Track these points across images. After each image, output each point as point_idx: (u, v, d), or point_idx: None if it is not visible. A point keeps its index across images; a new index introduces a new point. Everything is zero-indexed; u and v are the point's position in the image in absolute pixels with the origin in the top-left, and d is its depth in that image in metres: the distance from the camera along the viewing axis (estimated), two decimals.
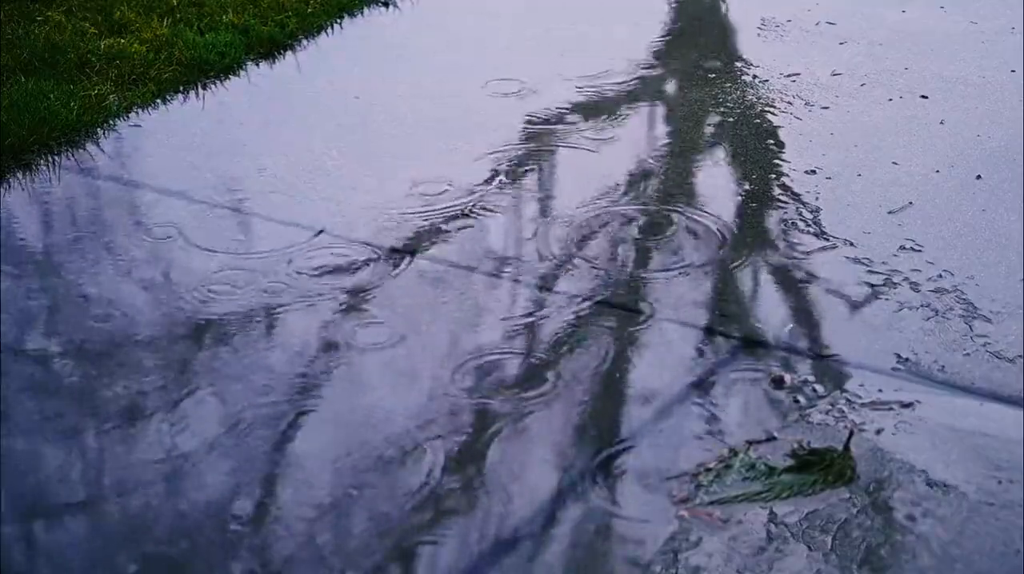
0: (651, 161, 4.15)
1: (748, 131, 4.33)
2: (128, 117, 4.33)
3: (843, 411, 2.96)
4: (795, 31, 5.17)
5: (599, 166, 4.10)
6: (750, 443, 2.86)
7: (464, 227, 3.72)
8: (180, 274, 3.48)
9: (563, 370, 3.10)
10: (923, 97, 4.59)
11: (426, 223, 3.73)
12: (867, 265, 3.54)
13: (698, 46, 5.04)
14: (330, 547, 2.57)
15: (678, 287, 3.44)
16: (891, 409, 2.97)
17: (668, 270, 3.52)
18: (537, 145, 4.23)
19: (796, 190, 3.95)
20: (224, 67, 4.70)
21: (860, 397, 3.01)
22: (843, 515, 2.66)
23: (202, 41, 4.79)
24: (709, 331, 3.26)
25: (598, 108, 4.49)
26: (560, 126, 4.36)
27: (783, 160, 4.14)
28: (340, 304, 3.35)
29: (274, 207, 3.82)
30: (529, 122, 4.38)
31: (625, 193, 3.93)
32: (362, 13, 5.30)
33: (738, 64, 4.87)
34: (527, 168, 4.08)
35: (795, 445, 2.84)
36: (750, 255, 3.60)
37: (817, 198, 3.90)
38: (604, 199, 3.88)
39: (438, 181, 3.96)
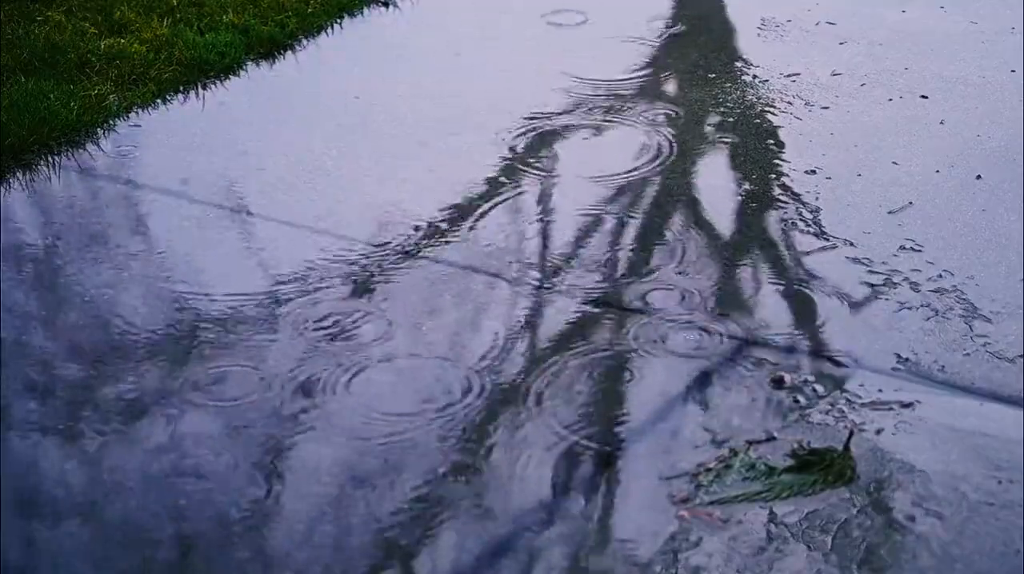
0: (651, 160, 4.14)
1: (748, 131, 4.33)
2: (128, 117, 4.32)
3: (843, 411, 2.96)
4: (795, 31, 5.17)
5: (599, 166, 4.09)
6: (750, 443, 2.86)
7: (464, 227, 3.72)
8: (180, 273, 3.48)
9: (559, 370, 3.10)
10: (923, 97, 4.59)
11: (426, 223, 3.73)
12: (867, 265, 3.54)
13: (698, 46, 5.04)
14: None
15: (677, 286, 3.44)
16: (891, 409, 2.97)
17: (667, 270, 3.52)
18: (539, 145, 4.22)
19: (796, 190, 3.95)
20: (224, 67, 4.70)
21: (860, 397, 3.01)
22: (843, 515, 2.66)
23: (202, 41, 4.79)
24: (708, 330, 3.26)
25: (599, 107, 4.49)
26: (560, 126, 4.36)
27: (783, 160, 4.14)
28: (339, 304, 3.35)
29: (274, 207, 3.82)
30: (530, 121, 4.37)
31: (624, 194, 3.93)
32: (362, 13, 5.29)
33: (738, 64, 4.86)
34: (527, 168, 4.08)
35: (795, 445, 2.84)
36: (750, 255, 3.59)
37: (817, 198, 3.90)
38: (604, 199, 3.88)
39: (438, 181, 3.96)
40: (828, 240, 3.66)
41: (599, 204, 3.86)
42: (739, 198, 3.93)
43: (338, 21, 5.20)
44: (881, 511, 2.67)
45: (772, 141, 4.27)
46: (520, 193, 3.93)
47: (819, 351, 3.18)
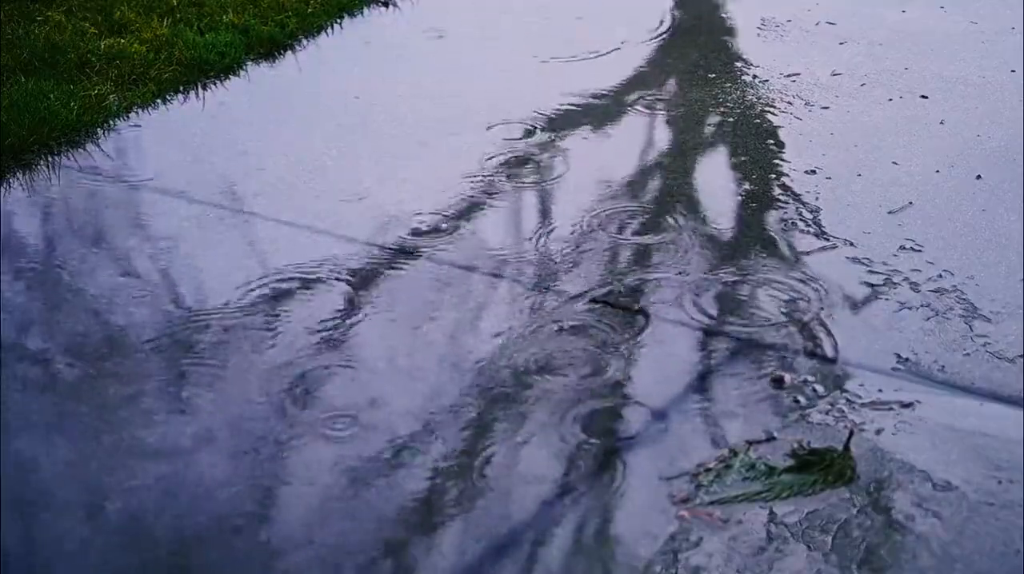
0: (651, 160, 4.15)
1: (748, 131, 4.33)
2: (128, 117, 4.33)
3: (843, 411, 2.96)
4: (795, 31, 5.17)
5: (600, 166, 4.09)
6: (750, 443, 2.86)
7: (464, 227, 3.72)
8: (179, 273, 3.48)
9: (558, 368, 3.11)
10: (923, 97, 4.59)
11: (426, 223, 3.73)
12: (867, 265, 3.54)
13: (698, 46, 5.04)
14: None
15: (678, 286, 3.44)
16: (891, 409, 2.97)
17: (667, 270, 3.52)
18: (539, 145, 4.23)
19: (796, 190, 3.95)
20: (224, 67, 4.70)
21: (860, 397, 3.01)
22: (843, 515, 2.66)
23: (202, 41, 4.79)
24: (708, 330, 3.26)
25: (598, 107, 4.49)
26: (560, 126, 4.36)
27: (783, 160, 4.14)
28: (339, 304, 3.36)
29: (274, 207, 3.82)
30: (529, 121, 4.37)
31: (624, 194, 3.93)
32: (362, 13, 5.30)
33: (738, 64, 4.87)
34: (528, 168, 4.08)
35: (795, 445, 2.84)
36: (750, 255, 3.59)
37: (817, 198, 3.90)
38: (605, 200, 3.88)
39: (438, 181, 3.96)
40: (828, 240, 3.66)
41: (599, 203, 3.85)
42: (739, 198, 3.93)
43: (338, 21, 5.21)
44: (881, 511, 2.67)
45: (772, 141, 4.27)
46: (520, 193, 3.93)
47: (819, 351, 3.18)
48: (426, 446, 2.84)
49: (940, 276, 3.48)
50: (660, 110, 4.53)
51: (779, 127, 4.36)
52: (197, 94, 4.56)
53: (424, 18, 5.32)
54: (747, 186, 3.99)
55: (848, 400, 3.00)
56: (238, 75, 4.72)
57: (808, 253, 3.60)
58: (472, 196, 3.89)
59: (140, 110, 4.38)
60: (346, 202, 3.85)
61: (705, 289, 3.44)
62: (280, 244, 3.63)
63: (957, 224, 3.76)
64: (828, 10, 5.34)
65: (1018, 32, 5.14)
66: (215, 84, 4.63)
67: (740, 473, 2.76)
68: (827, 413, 2.96)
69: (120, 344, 3.19)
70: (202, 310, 3.32)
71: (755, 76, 4.74)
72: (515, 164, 4.10)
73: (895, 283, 3.46)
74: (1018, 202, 3.87)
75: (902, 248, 3.62)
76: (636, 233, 3.71)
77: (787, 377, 3.07)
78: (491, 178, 4.01)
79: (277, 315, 3.30)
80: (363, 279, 3.47)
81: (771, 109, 4.47)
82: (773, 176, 4.05)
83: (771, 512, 2.66)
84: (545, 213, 3.82)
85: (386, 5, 5.40)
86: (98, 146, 4.15)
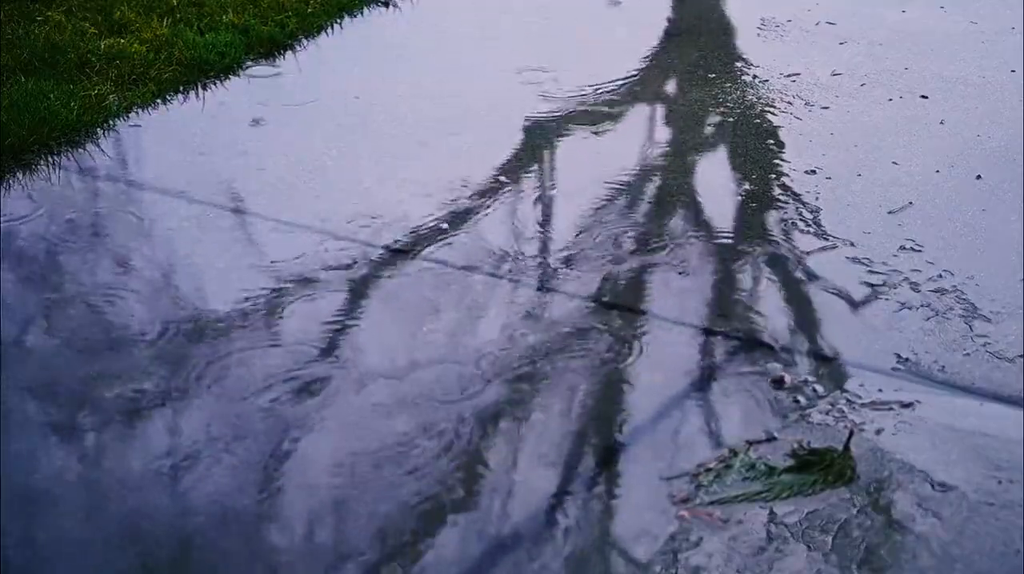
0: (651, 160, 4.15)
1: (748, 131, 4.33)
2: (128, 117, 4.33)
3: (843, 411, 2.96)
4: (795, 31, 5.17)
5: (599, 166, 4.09)
6: (750, 443, 2.86)
7: (464, 227, 3.72)
8: (179, 273, 3.48)
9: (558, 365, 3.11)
10: (923, 97, 4.59)
11: (426, 223, 3.73)
12: (867, 265, 3.54)
13: (698, 46, 5.04)
14: None
15: (678, 287, 3.44)
16: (891, 409, 2.97)
17: (667, 270, 3.52)
18: (538, 145, 4.23)
19: (796, 190, 3.95)
20: (224, 67, 4.70)
21: (860, 397, 3.01)
22: (843, 515, 2.66)
23: (202, 41, 4.79)
24: (709, 330, 3.26)
25: (599, 107, 4.49)
26: (561, 125, 4.36)
27: (783, 160, 4.14)
28: (340, 304, 3.36)
29: (274, 207, 3.82)
30: (529, 121, 4.38)
31: (624, 194, 3.93)
32: (362, 13, 5.30)
33: (738, 64, 4.87)
34: (528, 168, 4.08)
35: (795, 445, 2.84)
36: (750, 255, 3.59)
37: (817, 198, 3.90)
38: (604, 199, 3.88)
39: (438, 181, 3.97)
40: (828, 240, 3.66)
41: (599, 203, 3.86)
42: (739, 198, 3.93)
43: (338, 21, 5.21)
44: (881, 511, 2.67)
45: (772, 141, 4.27)
46: (520, 193, 3.93)
47: (819, 351, 3.18)
48: (425, 445, 2.84)
49: (940, 276, 3.48)
50: (660, 110, 4.53)
51: (779, 127, 4.36)
52: (197, 94, 4.56)
53: (424, 18, 5.32)
54: (747, 186, 3.99)
55: (848, 400, 3.00)
56: (238, 75, 4.72)
57: (808, 253, 3.60)
58: (472, 196, 3.89)
59: (140, 110, 4.39)
60: (346, 202, 3.85)
61: (705, 289, 3.44)
62: (280, 244, 3.62)
63: (957, 224, 3.76)
64: (828, 10, 5.34)
65: (1018, 32, 5.14)
66: (215, 84, 4.63)
67: (740, 473, 2.76)
68: (827, 413, 2.96)
69: (119, 344, 3.19)
70: (202, 310, 3.32)
71: (755, 76, 4.74)
72: (515, 164, 4.10)
73: (895, 283, 3.46)
74: (1018, 202, 3.87)
75: (902, 248, 3.62)
76: (636, 233, 3.71)
77: (787, 377, 3.07)
78: (491, 178, 4.01)
79: (277, 315, 3.30)
80: (363, 279, 3.47)
81: (771, 109, 4.47)
82: (773, 176, 4.05)
83: (771, 512, 2.66)
84: (545, 213, 3.82)
85: (386, 5, 5.40)
86: (98, 146, 4.15)
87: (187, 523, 2.64)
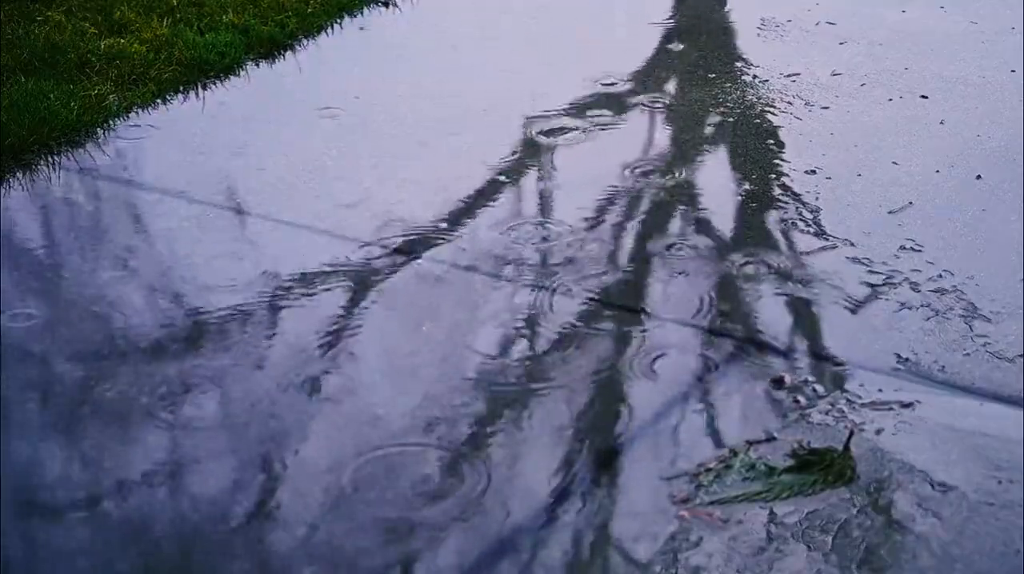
0: (651, 160, 4.15)
1: (748, 131, 4.33)
2: (128, 117, 4.33)
3: (843, 411, 2.96)
4: (795, 31, 5.17)
5: (599, 165, 4.09)
6: (750, 443, 2.86)
7: (464, 227, 3.72)
8: (179, 273, 3.48)
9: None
10: (923, 97, 4.59)
11: (427, 222, 3.73)
12: (867, 265, 3.54)
13: (698, 46, 5.04)
14: None
15: (677, 286, 3.44)
16: (891, 409, 2.97)
17: (667, 270, 3.52)
18: (538, 145, 4.23)
19: (796, 190, 3.95)
20: (224, 67, 4.70)
21: (860, 397, 3.01)
22: (843, 515, 2.66)
23: (202, 41, 4.79)
24: (709, 331, 3.26)
25: (599, 107, 4.49)
26: (561, 126, 4.36)
27: (783, 160, 4.14)
28: (340, 304, 3.36)
29: (274, 207, 3.82)
30: (529, 121, 4.38)
31: (624, 194, 3.93)
32: (362, 13, 5.30)
33: (738, 64, 4.87)
34: (527, 168, 4.08)
35: (795, 445, 2.84)
36: (750, 255, 3.59)
37: (817, 198, 3.90)
38: (604, 199, 3.88)
39: (438, 181, 3.97)
40: (828, 240, 3.66)
41: (599, 203, 3.85)
42: (739, 198, 3.93)
43: (338, 21, 5.21)
44: (881, 511, 2.67)
45: (772, 141, 4.27)
46: (520, 193, 3.93)
47: (819, 351, 3.18)
48: (423, 445, 2.84)
49: (940, 276, 3.48)
50: (660, 110, 4.53)
51: (779, 127, 4.36)
52: (197, 94, 4.56)
53: (424, 18, 5.32)
54: (747, 186, 3.99)
55: (848, 400, 3.00)
56: (238, 75, 4.72)
57: (808, 253, 3.60)
58: (472, 196, 3.89)
59: (140, 110, 4.39)
60: (346, 202, 3.85)
61: (705, 288, 3.44)
62: (280, 244, 3.62)
63: (957, 224, 3.76)
64: (828, 10, 5.34)
65: (1018, 32, 5.14)
66: (215, 84, 4.63)
67: (740, 473, 2.76)
68: (827, 413, 2.96)
69: (119, 344, 3.19)
70: (201, 310, 3.32)
71: (755, 76, 4.74)
72: (514, 163, 4.10)
73: (895, 283, 3.46)
74: (1018, 202, 3.87)
75: (902, 248, 3.62)
76: (636, 233, 3.71)
77: (787, 377, 3.07)
78: (491, 178, 4.00)
79: (277, 315, 3.30)
80: (363, 279, 3.47)
81: (771, 109, 4.47)
82: (773, 176, 4.05)
83: (771, 512, 2.66)
84: (545, 213, 3.82)
85: (386, 5, 5.40)
86: (98, 146, 4.15)
87: (185, 524, 2.64)
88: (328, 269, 3.50)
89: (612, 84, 4.67)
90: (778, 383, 3.05)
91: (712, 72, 4.78)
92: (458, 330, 3.26)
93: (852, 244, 3.64)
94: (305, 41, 5.02)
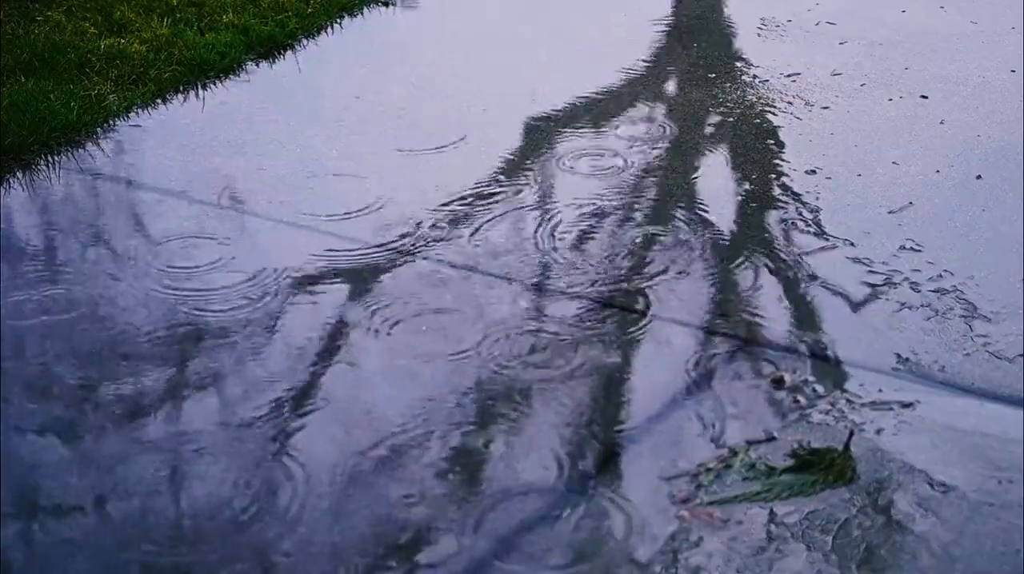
0: (651, 160, 4.15)
1: (748, 131, 4.33)
2: (128, 117, 4.33)
3: (843, 411, 2.96)
4: (795, 31, 5.17)
5: (599, 165, 4.09)
6: (750, 443, 2.86)
7: (465, 227, 3.72)
8: (179, 273, 3.48)
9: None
10: (923, 97, 4.59)
11: (427, 223, 3.73)
12: (867, 265, 3.54)
13: (698, 46, 5.04)
14: None
15: (678, 286, 3.44)
16: (891, 409, 2.97)
17: (667, 270, 3.52)
18: (538, 144, 4.23)
19: (796, 190, 3.95)
20: (224, 67, 4.70)
21: (860, 397, 3.01)
22: (843, 515, 2.66)
23: (202, 41, 4.79)
24: (709, 331, 3.26)
25: (599, 107, 4.49)
26: (561, 125, 4.36)
27: (783, 160, 4.14)
28: (340, 304, 3.36)
29: (274, 207, 3.82)
30: (529, 122, 4.38)
31: (624, 193, 3.93)
32: (362, 13, 5.30)
33: (738, 64, 4.87)
34: (528, 167, 4.08)
35: (795, 445, 2.84)
36: (750, 255, 3.59)
37: (817, 198, 3.90)
38: (604, 199, 3.88)
39: (438, 181, 3.97)
40: (828, 240, 3.66)
41: (600, 203, 3.85)
42: (739, 198, 3.93)
43: (338, 21, 5.21)
44: (881, 511, 2.67)
45: (772, 141, 4.27)
46: (520, 193, 3.93)
47: (819, 351, 3.18)
48: (423, 442, 2.84)
49: (940, 276, 3.48)
50: (660, 110, 4.53)
51: (779, 127, 4.36)
52: (197, 94, 4.56)
53: (424, 18, 5.32)
54: (747, 186, 3.99)
55: (848, 400, 3.00)
56: (238, 75, 4.71)
57: (808, 253, 3.60)
58: (472, 196, 3.89)
59: (140, 110, 4.38)
60: (346, 202, 3.85)
61: (705, 288, 3.44)
62: (280, 244, 3.62)
63: (957, 224, 3.76)
64: (828, 10, 5.34)
65: (1018, 32, 5.14)
66: (215, 84, 4.63)
67: (740, 473, 2.76)
68: (827, 413, 2.96)
69: (118, 344, 3.19)
70: (201, 310, 3.32)
71: (755, 76, 4.74)
72: (515, 163, 4.10)
73: (895, 283, 3.46)
74: (1018, 202, 3.87)
75: (902, 248, 3.62)
76: (636, 233, 3.71)
77: (787, 377, 3.07)
78: (491, 178, 4.00)
79: (277, 315, 3.30)
80: (363, 279, 3.47)
81: (771, 109, 4.47)
82: (773, 176, 4.05)
83: (771, 512, 2.66)
84: (545, 212, 3.82)
85: (386, 5, 5.40)
86: (98, 146, 4.15)
87: (184, 523, 2.64)
88: (328, 269, 3.50)
89: (612, 84, 4.67)
90: (778, 383, 3.05)
91: (712, 72, 4.78)
92: (457, 328, 3.26)
93: (852, 244, 3.64)
94: (305, 41, 5.02)
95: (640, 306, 3.36)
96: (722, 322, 3.30)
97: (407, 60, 4.89)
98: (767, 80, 4.70)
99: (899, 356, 3.16)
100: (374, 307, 3.35)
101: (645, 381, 3.09)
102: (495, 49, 5.08)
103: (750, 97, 4.57)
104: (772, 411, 2.97)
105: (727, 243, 3.67)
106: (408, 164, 4.09)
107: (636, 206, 3.86)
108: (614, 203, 3.86)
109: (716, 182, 4.02)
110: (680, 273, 3.51)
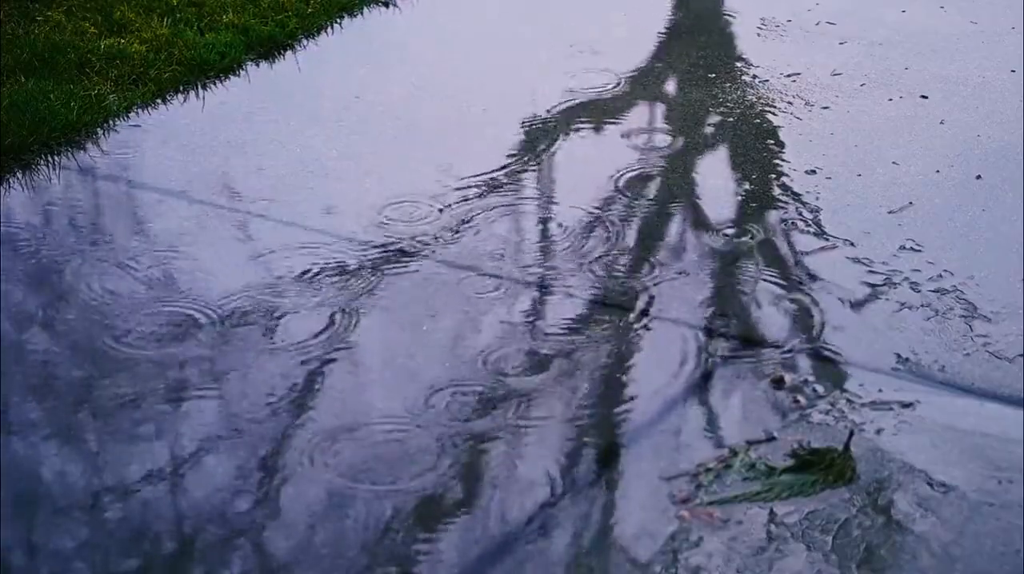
0: (651, 160, 4.14)
1: (748, 131, 4.33)
2: (128, 117, 4.32)
3: (843, 411, 2.96)
4: (795, 31, 5.17)
5: (599, 165, 4.09)
6: (750, 443, 2.86)
7: (465, 227, 3.72)
8: (179, 273, 3.48)
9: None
10: (923, 97, 4.59)
11: (427, 223, 3.73)
12: (867, 265, 3.54)
13: (698, 46, 5.04)
14: None
15: (677, 286, 3.44)
16: (891, 409, 2.97)
17: (667, 270, 3.52)
18: (539, 144, 4.22)
19: (796, 190, 3.95)
20: (224, 67, 4.70)
21: (860, 397, 3.01)
22: (843, 515, 2.66)
23: (202, 41, 4.79)
24: (709, 330, 3.26)
25: (598, 107, 4.49)
26: (560, 125, 4.36)
27: (783, 160, 4.14)
28: (340, 304, 3.36)
29: (274, 207, 3.82)
30: (529, 122, 4.37)
31: (624, 194, 3.93)
32: (362, 13, 5.29)
33: (738, 64, 4.87)
34: (528, 167, 4.08)
35: (795, 445, 2.84)
36: (749, 254, 3.59)
37: (817, 198, 3.90)
38: (604, 199, 3.88)
39: (438, 181, 3.97)
40: (828, 240, 3.66)
41: (599, 203, 3.85)
42: (739, 198, 3.93)
43: (338, 21, 5.20)
44: (881, 511, 2.67)
45: (772, 141, 4.27)
46: (520, 193, 3.93)
47: (819, 351, 3.18)
48: (424, 444, 2.84)
49: (940, 276, 3.48)
50: (660, 110, 4.53)
51: (779, 127, 4.36)
52: (197, 94, 4.56)
53: (424, 18, 5.32)
54: (747, 186, 3.99)
55: (848, 400, 3.00)
56: (238, 75, 4.71)
57: (808, 253, 3.60)
58: (472, 196, 3.89)
59: (140, 110, 4.38)
60: (346, 202, 3.85)
61: (705, 288, 3.44)
62: (280, 244, 3.62)
63: (957, 224, 3.76)
64: (828, 10, 5.34)
65: (1018, 32, 5.14)
66: (215, 84, 4.63)
67: (740, 473, 2.77)
68: (827, 413, 2.96)
69: (118, 344, 3.19)
70: (201, 310, 3.31)
71: (755, 76, 4.74)
72: (514, 163, 4.10)
73: (895, 283, 3.46)
74: (1018, 202, 3.87)
75: (902, 248, 3.62)
76: (636, 233, 3.71)
77: (787, 377, 3.07)
78: (490, 177, 4.00)
79: (277, 315, 3.30)
80: (363, 278, 3.47)
81: (771, 109, 4.47)
82: (773, 176, 4.05)
83: (771, 512, 2.66)
84: (545, 212, 3.82)
85: (386, 5, 5.40)
86: (98, 146, 4.14)
87: (185, 524, 2.64)
88: (329, 269, 3.50)
89: (612, 84, 4.67)
90: (778, 383, 3.05)
91: (712, 72, 4.78)
92: (457, 328, 3.26)
93: (852, 244, 3.64)
94: (305, 41, 5.01)
95: (639, 306, 3.36)
96: (722, 322, 3.30)
97: (407, 60, 4.89)
98: (767, 80, 4.70)
99: (899, 356, 3.16)
100: (374, 305, 3.35)
101: (645, 381, 3.09)
102: (495, 49, 5.08)
103: (750, 97, 4.57)
104: (772, 411, 2.97)
105: (727, 243, 3.67)
106: (408, 164, 4.09)
107: (636, 206, 3.85)
108: (614, 203, 3.86)
109: (716, 182, 4.02)
110: (680, 273, 3.51)
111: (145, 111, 4.39)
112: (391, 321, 3.30)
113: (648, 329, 3.27)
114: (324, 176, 4.01)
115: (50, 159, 4.04)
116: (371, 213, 3.78)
